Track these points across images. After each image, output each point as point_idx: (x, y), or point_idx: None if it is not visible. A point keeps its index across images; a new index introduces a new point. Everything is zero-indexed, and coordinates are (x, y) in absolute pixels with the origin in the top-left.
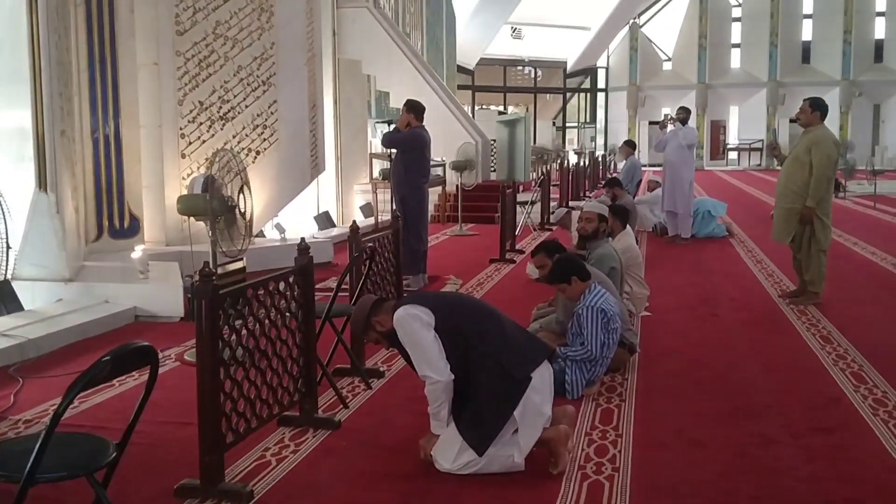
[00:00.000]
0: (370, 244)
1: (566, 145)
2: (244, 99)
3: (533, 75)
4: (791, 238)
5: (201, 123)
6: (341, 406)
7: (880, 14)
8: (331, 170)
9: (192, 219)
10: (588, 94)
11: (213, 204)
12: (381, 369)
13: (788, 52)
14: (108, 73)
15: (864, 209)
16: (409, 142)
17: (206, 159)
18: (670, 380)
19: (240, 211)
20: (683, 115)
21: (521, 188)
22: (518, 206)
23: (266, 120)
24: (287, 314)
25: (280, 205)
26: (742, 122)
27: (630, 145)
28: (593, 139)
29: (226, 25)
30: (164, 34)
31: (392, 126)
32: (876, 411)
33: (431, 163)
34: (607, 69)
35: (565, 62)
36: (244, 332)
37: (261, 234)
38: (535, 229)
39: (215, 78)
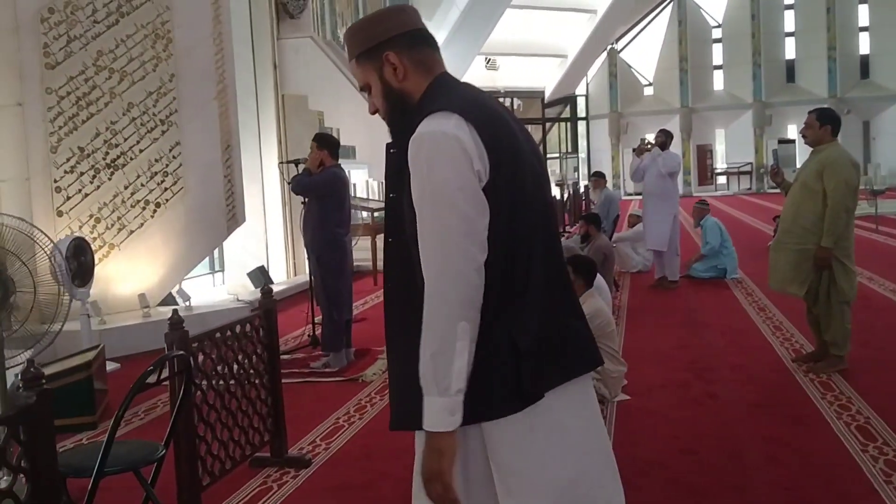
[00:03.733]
0: (180, 352)
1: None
2: (138, 142)
3: (511, 104)
4: (805, 289)
5: (82, 173)
6: None
7: (864, 29)
8: (279, 217)
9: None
10: (568, 124)
11: None
12: None
13: (773, 71)
14: None
15: (868, 233)
16: (325, 185)
17: (91, 216)
18: None
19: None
20: (662, 139)
21: None
22: None
23: (167, 166)
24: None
25: (190, 264)
26: (729, 146)
27: (600, 176)
28: (576, 169)
29: (111, 56)
30: (30, 68)
31: (301, 167)
32: None
33: (379, 205)
34: (587, 97)
35: (543, 91)
36: None
37: (170, 301)
38: None
39: (99, 118)
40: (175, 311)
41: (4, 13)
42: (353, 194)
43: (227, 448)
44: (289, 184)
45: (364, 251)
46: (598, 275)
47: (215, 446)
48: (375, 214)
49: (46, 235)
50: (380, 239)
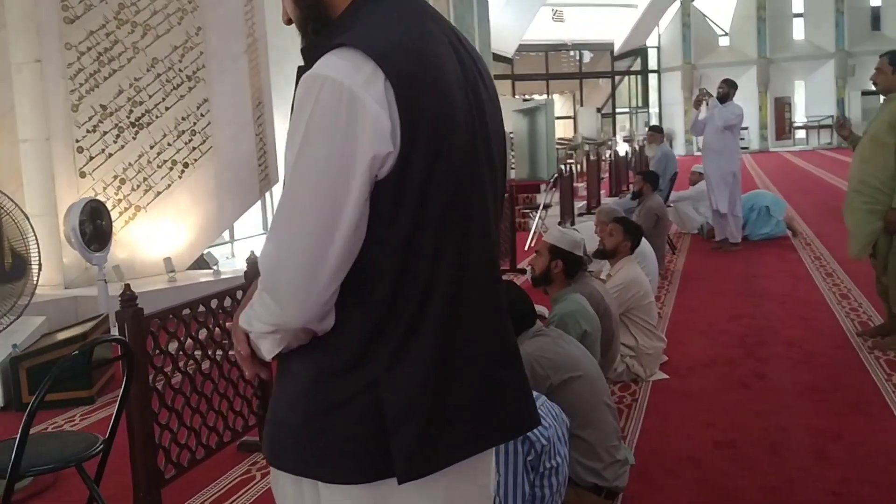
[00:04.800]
0: (114, 337)
1: (617, 133)
2: (163, 99)
3: (579, 58)
4: (871, 252)
5: (105, 133)
6: None
7: None
8: None
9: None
10: (639, 77)
11: None
12: None
13: (856, 18)
14: None
15: None
16: None
17: (115, 177)
18: None
19: None
20: (724, 90)
21: (551, 186)
22: (531, 212)
23: (195, 124)
24: None
25: (220, 228)
26: (809, 98)
27: (657, 131)
28: (647, 124)
29: (133, 9)
30: (48, 23)
31: None
32: None
33: None
34: (658, 49)
35: (612, 44)
36: None
37: (203, 265)
38: None
39: (121, 75)
40: (127, 286)
41: None
42: None
43: (199, 436)
44: None
45: None
46: (645, 240)
47: (183, 434)
48: None
49: (10, 199)
50: None
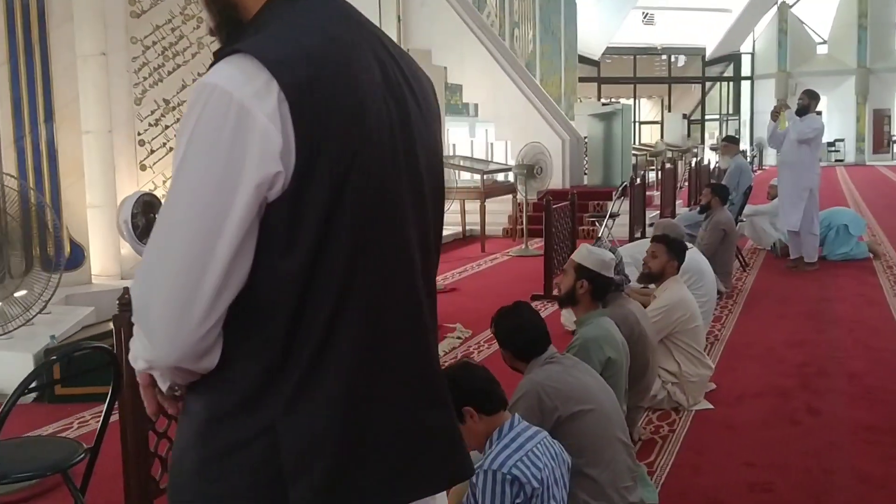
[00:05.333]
0: (98, 344)
1: (706, 140)
2: None
3: (668, 62)
4: None
5: (167, 126)
6: None
7: None
8: None
9: None
10: (731, 83)
11: None
12: None
13: None
14: (37, 66)
15: None
16: None
17: None
18: None
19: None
20: (804, 102)
21: (619, 195)
22: (597, 220)
23: None
24: None
25: None
26: None
27: (732, 142)
28: (737, 132)
29: (198, 4)
30: (114, 16)
31: None
32: None
33: (497, 166)
34: (752, 55)
35: (704, 49)
36: None
37: None
38: None
39: (185, 70)
40: (125, 291)
41: None
42: (450, 153)
43: None
44: None
45: (474, 214)
46: (702, 257)
47: None
48: (486, 177)
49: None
50: (490, 202)
